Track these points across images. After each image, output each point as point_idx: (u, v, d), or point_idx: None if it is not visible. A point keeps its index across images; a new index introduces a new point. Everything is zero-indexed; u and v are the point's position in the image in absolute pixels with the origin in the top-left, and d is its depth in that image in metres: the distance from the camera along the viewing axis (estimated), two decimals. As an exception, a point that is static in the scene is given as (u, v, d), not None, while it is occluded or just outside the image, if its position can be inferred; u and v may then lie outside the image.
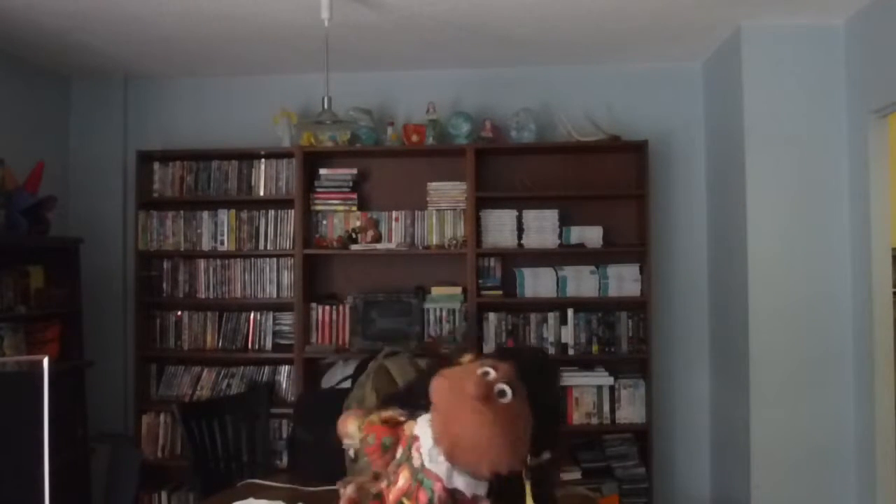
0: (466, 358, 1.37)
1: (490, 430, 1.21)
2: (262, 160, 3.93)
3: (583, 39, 3.57)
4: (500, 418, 1.22)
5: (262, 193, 3.92)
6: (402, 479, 1.32)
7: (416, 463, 1.32)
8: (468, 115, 3.81)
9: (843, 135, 3.29)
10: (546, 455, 1.31)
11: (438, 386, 1.30)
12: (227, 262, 3.96)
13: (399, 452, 1.38)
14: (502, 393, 1.24)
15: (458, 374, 1.29)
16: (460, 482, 1.27)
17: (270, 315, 3.93)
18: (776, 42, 3.33)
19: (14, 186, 3.43)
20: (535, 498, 1.26)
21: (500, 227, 3.77)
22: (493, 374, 1.27)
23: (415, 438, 1.35)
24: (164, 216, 3.97)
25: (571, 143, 3.78)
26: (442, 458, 1.26)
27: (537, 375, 1.35)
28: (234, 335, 3.94)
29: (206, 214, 3.95)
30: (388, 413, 1.46)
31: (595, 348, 3.73)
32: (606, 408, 3.68)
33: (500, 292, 3.76)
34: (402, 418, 1.43)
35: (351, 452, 2.54)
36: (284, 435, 3.79)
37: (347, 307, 3.85)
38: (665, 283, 3.93)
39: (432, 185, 3.87)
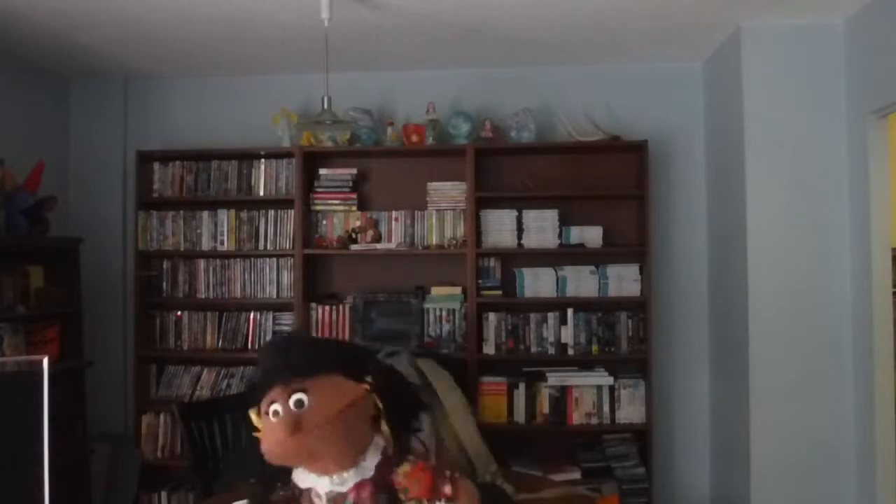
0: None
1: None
2: (262, 160, 3.93)
3: (583, 39, 3.57)
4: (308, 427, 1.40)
5: (261, 193, 3.92)
6: None
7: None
8: (468, 115, 3.81)
9: (843, 135, 3.28)
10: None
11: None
12: (227, 262, 3.96)
13: None
14: (299, 403, 1.43)
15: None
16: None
17: (270, 315, 3.93)
18: (776, 42, 3.33)
19: (14, 186, 3.43)
20: None
21: (499, 227, 3.77)
22: (276, 405, 1.44)
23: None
24: (164, 216, 3.97)
25: (571, 143, 3.78)
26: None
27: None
28: (234, 335, 3.94)
29: (205, 214, 3.95)
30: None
31: (595, 348, 3.73)
32: (606, 408, 3.68)
33: (499, 292, 3.76)
34: None
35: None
36: (284, 435, 3.78)
37: (347, 307, 3.85)
38: (665, 283, 3.93)
39: (432, 185, 3.87)
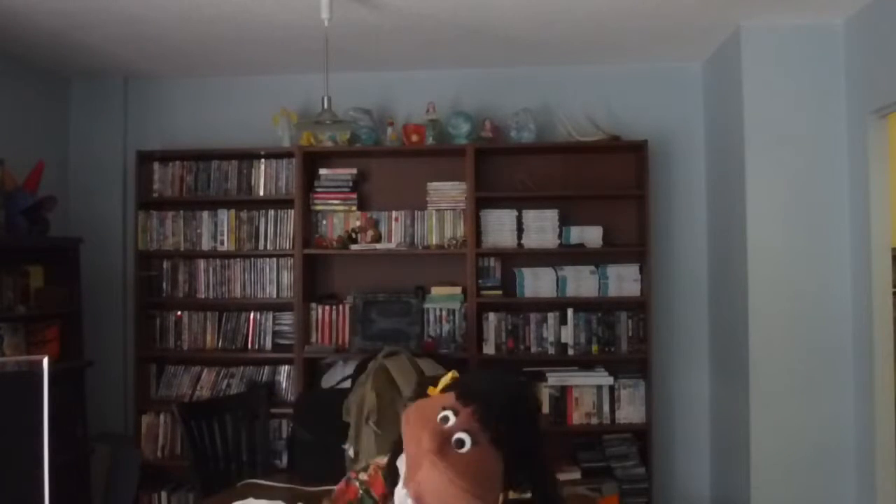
0: (439, 385, 1.32)
1: (448, 483, 1.16)
2: (262, 160, 3.93)
3: (583, 39, 3.57)
4: (459, 470, 1.17)
5: (261, 193, 3.92)
6: None
7: (396, 500, 1.30)
8: (468, 115, 3.81)
9: (843, 135, 3.28)
10: (527, 494, 1.25)
11: (403, 429, 1.27)
12: (227, 262, 3.96)
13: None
14: (460, 443, 1.19)
15: (419, 418, 1.25)
16: None
17: (270, 315, 3.93)
18: (776, 42, 3.33)
19: (14, 186, 3.43)
20: None
21: (499, 227, 3.77)
22: (451, 420, 1.22)
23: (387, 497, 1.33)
24: (164, 216, 3.97)
25: (571, 143, 3.78)
26: (410, 502, 1.23)
27: (513, 411, 1.26)
28: (234, 335, 3.94)
29: (205, 214, 3.96)
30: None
31: (595, 348, 3.73)
32: (606, 408, 3.68)
33: (499, 292, 3.76)
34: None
35: (351, 452, 2.55)
36: (284, 435, 3.79)
37: (347, 307, 3.85)
38: (665, 283, 3.93)
39: (432, 185, 3.87)
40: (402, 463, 1.30)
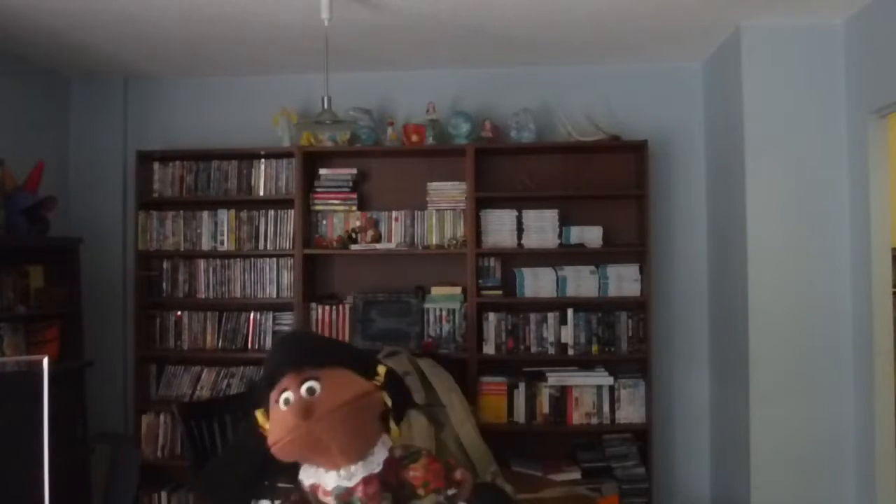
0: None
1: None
2: (262, 160, 3.93)
3: (583, 39, 3.57)
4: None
5: (261, 193, 3.92)
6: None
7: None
8: (468, 115, 3.81)
9: (843, 135, 3.28)
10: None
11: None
12: (227, 262, 3.96)
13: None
14: (311, 391, 1.42)
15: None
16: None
17: (270, 315, 3.93)
18: (776, 42, 3.33)
19: (14, 186, 3.43)
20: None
21: (499, 227, 3.77)
22: (289, 393, 1.43)
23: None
24: (164, 216, 3.97)
25: (571, 143, 3.78)
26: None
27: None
28: (234, 335, 3.94)
29: (206, 214, 3.96)
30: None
31: (595, 348, 3.73)
32: (606, 408, 3.68)
33: (499, 292, 3.76)
34: None
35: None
36: (284, 435, 3.78)
37: (347, 307, 3.85)
38: (665, 283, 3.93)
39: (432, 185, 3.87)
40: (305, 473, 1.50)
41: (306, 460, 1.47)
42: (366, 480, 1.43)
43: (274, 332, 3.91)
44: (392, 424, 1.50)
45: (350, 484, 1.43)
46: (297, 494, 1.51)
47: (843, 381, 3.26)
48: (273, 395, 1.45)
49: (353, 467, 1.43)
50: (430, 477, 1.45)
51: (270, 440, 1.42)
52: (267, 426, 1.45)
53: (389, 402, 1.47)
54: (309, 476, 1.48)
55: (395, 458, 1.48)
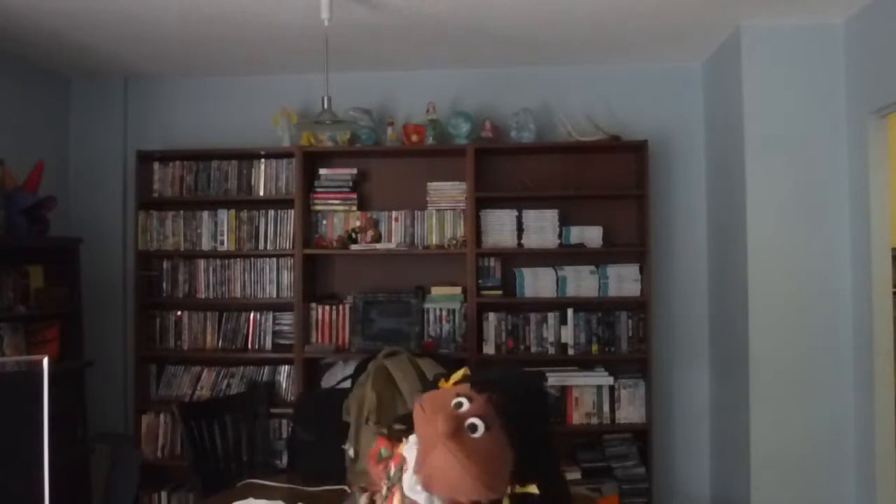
0: (451, 380, 1.34)
1: (460, 468, 1.18)
2: (262, 160, 3.93)
3: (583, 39, 3.57)
4: (471, 455, 1.19)
5: (261, 193, 3.92)
6: (396, 502, 1.32)
7: (405, 486, 1.31)
8: (468, 115, 3.81)
9: (843, 135, 3.28)
10: (533, 488, 1.25)
11: (416, 415, 1.29)
12: (227, 262, 3.96)
13: (392, 470, 1.37)
14: (473, 427, 1.21)
15: (433, 404, 1.27)
16: None
17: (270, 315, 3.93)
18: (776, 42, 3.33)
19: (14, 186, 3.43)
20: None
21: (499, 227, 3.77)
22: (465, 405, 1.24)
23: (404, 460, 1.34)
24: (164, 216, 3.97)
25: (571, 143, 3.78)
26: (419, 488, 1.26)
27: (526, 399, 1.30)
28: (234, 335, 3.94)
29: (205, 214, 3.96)
30: (399, 427, 1.43)
31: (595, 348, 3.73)
32: (606, 408, 3.68)
33: (499, 292, 3.76)
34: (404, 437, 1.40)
35: (351, 452, 2.54)
36: (284, 435, 3.79)
37: (347, 307, 3.85)
38: (665, 283, 3.93)
39: (432, 185, 3.87)
40: (409, 451, 1.32)
41: (420, 454, 1.30)
42: None
43: (274, 332, 3.91)
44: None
45: (411, 495, 1.29)
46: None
47: (843, 380, 3.26)
48: (451, 389, 1.31)
49: (430, 496, 1.27)
50: None
51: (420, 408, 1.28)
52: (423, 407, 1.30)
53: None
54: (411, 451, 1.34)
55: None
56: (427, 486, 1.23)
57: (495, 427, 1.22)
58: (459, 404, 1.24)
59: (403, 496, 1.31)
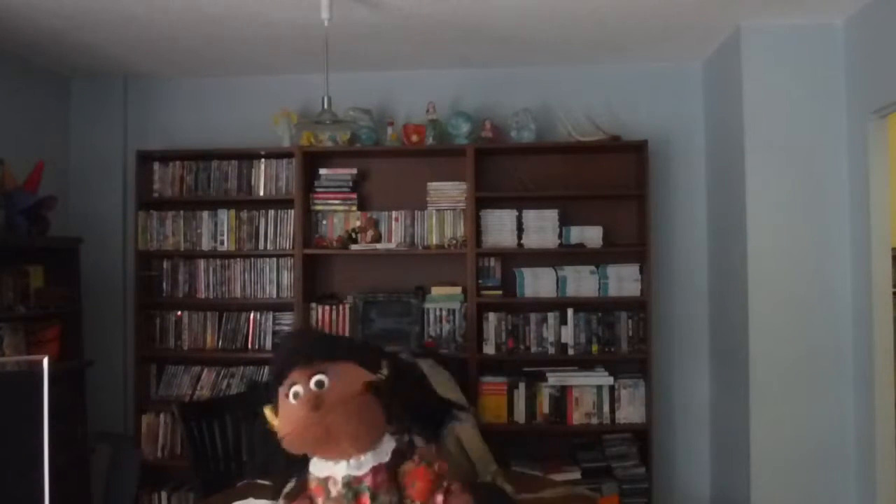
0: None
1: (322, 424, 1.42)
2: (262, 160, 3.93)
3: (583, 39, 3.57)
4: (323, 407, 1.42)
5: (261, 193, 3.92)
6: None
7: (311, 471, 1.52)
8: (468, 115, 3.81)
9: (843, 135, 3.28)
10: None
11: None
12: (227, 262, 3.96)
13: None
14: (320, 384, 1.45)
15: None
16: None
17: (270, 315, 3.93)
18: (776, 42, 3.33)
19: (14, 186, 3.43)
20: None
21: (499, 227, 3.77)
22: (298, 386, 1.47)
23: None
24: (164, 216, 3.97)
25: (571, 142, 3.78)
26: (316, 460, 1.50)
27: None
28: (234, 335, 3.94)
29: (206, 214, 3.96)
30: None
31: (595, 348, 3.73)
32: (606, 408, 3.68)
33: (500, 292, 3.76)
34: None
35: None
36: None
37: (347, 307, 3.85)
38: (665, 283, 3.93)
39: (432, 185, 3.87)
40: (317, 466, 1.51)
41: (316, 452, 1.49)
42: (375, 470, 1.46)
43: (274, 333, 3.91)
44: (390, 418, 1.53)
45: (360, 473, 1.46)
46: (300, 486, 1.53)
47: (843, 380, 3.26)
48: (282, 391, 1.49)
49: (362, 457, 1.46)
50: (409, 484, 1.47)
51: (281, 433, 1.45)
52: (276, 421, 1.48)
53: (389, 398, 1.50)
54: (320, 469, 1.49)
55: (402, 450, 1.51)
56: (327, 436, 1.42)
57: (344, 382, 1.46)
58: (297, 393, 1.46)
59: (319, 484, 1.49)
